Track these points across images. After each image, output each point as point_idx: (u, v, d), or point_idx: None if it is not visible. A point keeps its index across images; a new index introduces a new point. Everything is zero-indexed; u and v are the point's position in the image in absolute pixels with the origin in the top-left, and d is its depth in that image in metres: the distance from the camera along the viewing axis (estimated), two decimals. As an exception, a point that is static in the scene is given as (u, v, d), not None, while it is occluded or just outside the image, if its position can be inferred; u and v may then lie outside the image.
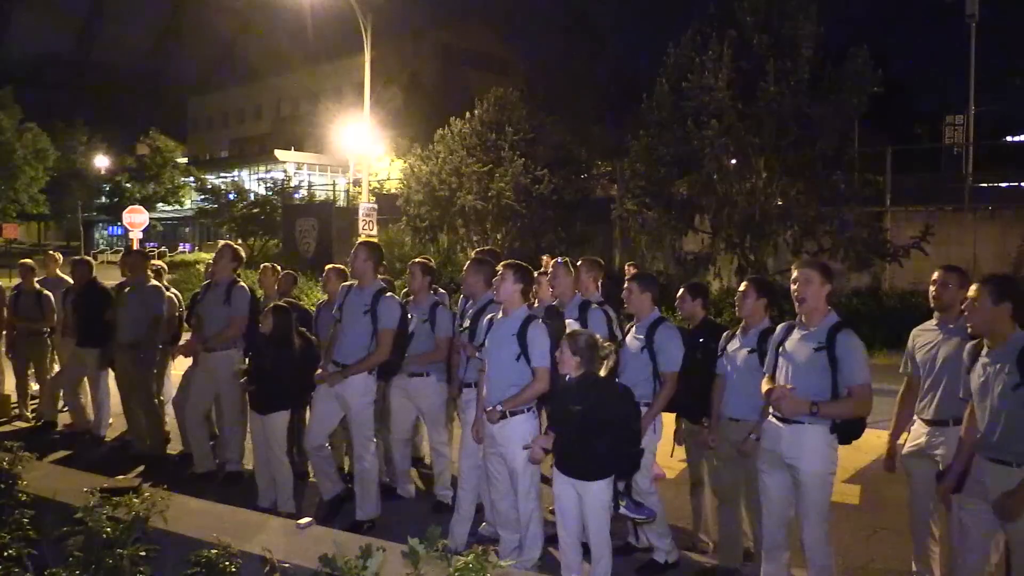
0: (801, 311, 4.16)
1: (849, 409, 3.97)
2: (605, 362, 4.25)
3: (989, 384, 3.66)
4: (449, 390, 6.09)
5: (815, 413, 3.92)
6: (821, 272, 4.13)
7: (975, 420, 3.76)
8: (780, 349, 4.22)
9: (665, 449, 5.31)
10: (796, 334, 4.17)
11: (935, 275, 4.40)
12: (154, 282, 7.52)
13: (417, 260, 6.39)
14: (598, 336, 4.44)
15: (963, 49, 23.37)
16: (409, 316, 5.97)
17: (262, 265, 7.94)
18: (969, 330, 3.90)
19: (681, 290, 5.26)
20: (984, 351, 3.74)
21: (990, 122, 29.79)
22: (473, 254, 6.21)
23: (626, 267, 13.71)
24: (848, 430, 4.06)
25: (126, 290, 7.45)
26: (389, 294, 5.68)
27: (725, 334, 4.99)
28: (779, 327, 4.37)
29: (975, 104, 23.43)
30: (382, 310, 5.53)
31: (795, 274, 4.17)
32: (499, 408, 4.68)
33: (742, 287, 4.85)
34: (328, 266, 6.94)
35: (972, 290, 3.75)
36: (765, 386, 4.28)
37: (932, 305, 4.40)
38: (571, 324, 4.91)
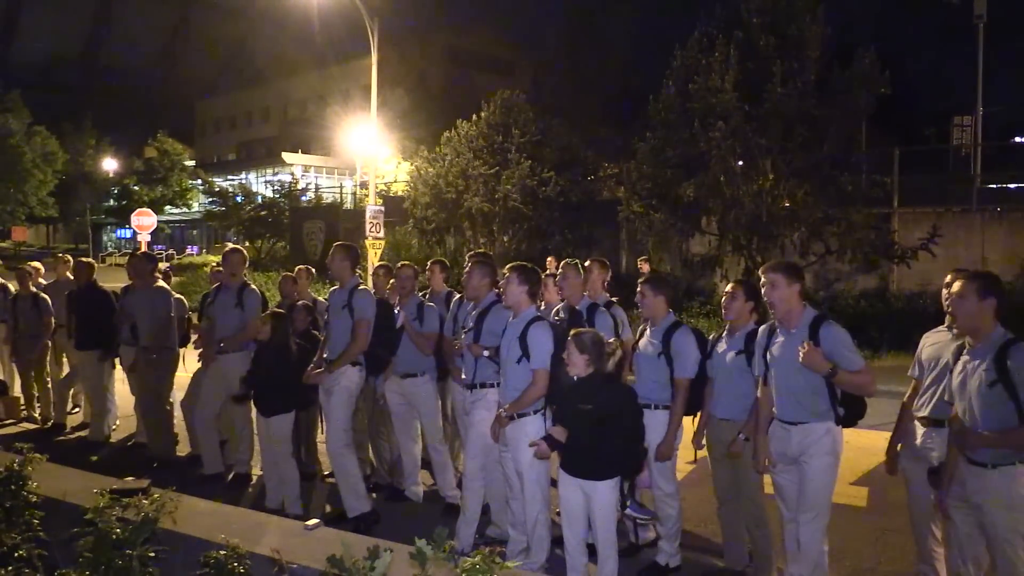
0: (775, 314, 4.22)
1: (860, 380, 3.99)
2: (611, 358, 4.27)
3: (967, 382, 3.64)
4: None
5: (833, 374, 3.92)
6: (785, 274, 4.16)
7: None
8: (768, 355, 4.24)
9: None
10: (779, 337, 4.20)
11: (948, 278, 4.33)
12: (161, 284, 7.55)
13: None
14: (602, 334, 4.46)
15: (971, 50, 23.31)
16: (396, 312, 6.05)
17: (297, 268, 7.98)
18: (953, 327, 3.93)
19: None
20: (966, 349, 3.73)
21: (998, 123, 29.71)
22: (468, 257, 6.26)
23: (639, 262, 13.69)
24: (851, 414, 4.10)
25: (136, 293, 7.48)
26: (363, 287, 5.80)
27: (712, 337, 5.01)
28: (760, 329, 4.41)
29: (983, 105, 23.38)
30: (357, 302, 5.65)
31: (763, 279, 4.21)
32: (504, 414, 4.72)
33: (729, 288, 4.86)
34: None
35: (956, 286, 3.73)
36: (759, 392, 4.31)
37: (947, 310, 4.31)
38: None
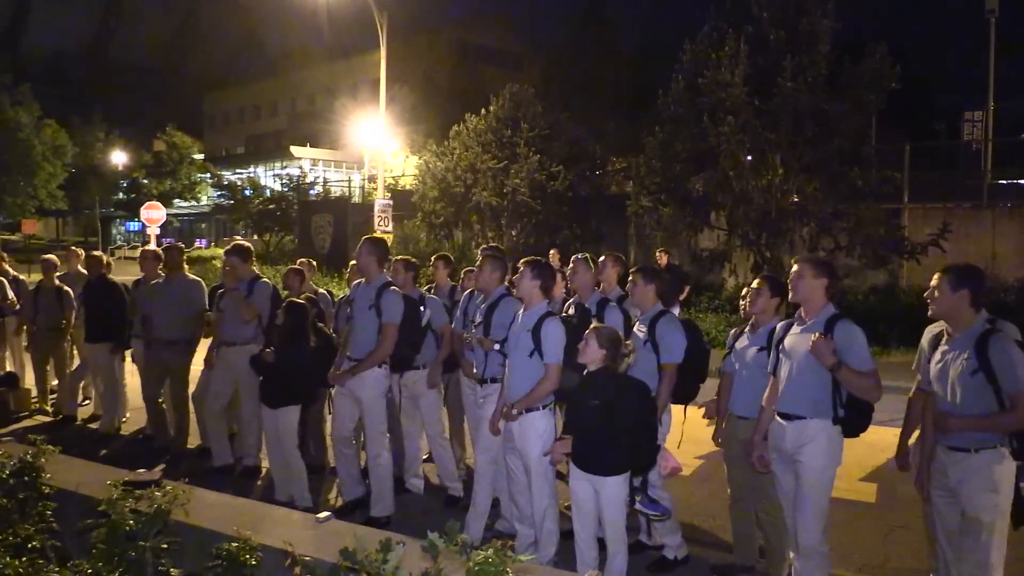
0: (793, 301, 4.23)
1: (865, 382, 3.91)
2: (626, 360, 4.28)
3: (947, 371, 3.76)
4: (430, 378, 6.18)
5: (838, 368, 3.86)
6: (813, 266, 4.15)
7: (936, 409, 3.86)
8: (781, 347, 4.24)
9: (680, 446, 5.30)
10: (795, 329, 4.20)
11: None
12: (193, 276, 7.54)
13: (400, 258, 6.50)
14: (620, 334, 4.47)
15: (983, 44, 23.16)
16: (422, 309, 6.04)
17: (299, 261, 7.97)
18: (930, 315, 3.96)
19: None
20: (944, 338, 3.85)
21: (1009, 118, 29.45)
22: (480, 251, 6.27)
23: (658, 254, 13.66)
24: (854, 422, 4.04)
25: (162, 285, 7.47)
26: (392, 288, 5.73)
27: (733, 331, 5.00)
28: (779, 325, 4.39)
29: (994, 100, 23.18)
30: (384, 304, 5.60)
31: (793, 268, 4.23)
32: (514, 411, 4.72)
33: (755, 283, 4.82)
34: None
35: (934, 279, 3.86)
36: (768, 388, 4.31)
37: None
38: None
